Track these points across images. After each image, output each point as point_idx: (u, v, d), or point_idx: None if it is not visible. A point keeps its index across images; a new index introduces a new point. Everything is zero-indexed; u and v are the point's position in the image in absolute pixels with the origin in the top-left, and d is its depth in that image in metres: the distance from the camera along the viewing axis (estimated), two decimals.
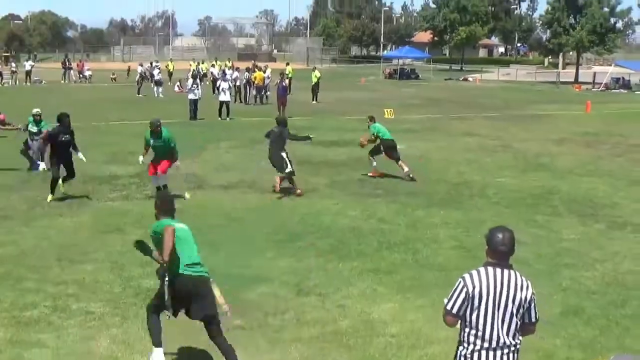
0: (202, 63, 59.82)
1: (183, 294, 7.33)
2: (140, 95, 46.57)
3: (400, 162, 18.74)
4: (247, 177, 18.74)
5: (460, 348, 5.59)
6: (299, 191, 16.74)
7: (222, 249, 12.23)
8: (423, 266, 11.57)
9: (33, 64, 65.32)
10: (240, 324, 8.92)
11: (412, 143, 25.79)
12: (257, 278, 10.75)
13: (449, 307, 5.51)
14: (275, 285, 10.46)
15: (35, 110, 20.06)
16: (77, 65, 66.53)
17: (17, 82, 58.75)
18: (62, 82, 61.48)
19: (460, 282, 5.50)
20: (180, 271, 7.28)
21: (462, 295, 5.45)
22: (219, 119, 32.85)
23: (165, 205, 7.86)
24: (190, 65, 56.78)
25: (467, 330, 5.52)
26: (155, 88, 47.28)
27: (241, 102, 42.17)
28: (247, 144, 24.69)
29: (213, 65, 55.16)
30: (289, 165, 16.74)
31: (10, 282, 10.44)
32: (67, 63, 64.62)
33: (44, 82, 60.21)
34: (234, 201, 16.07)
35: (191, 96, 33.34)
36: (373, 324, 9.14)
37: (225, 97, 33.55)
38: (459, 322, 5.58)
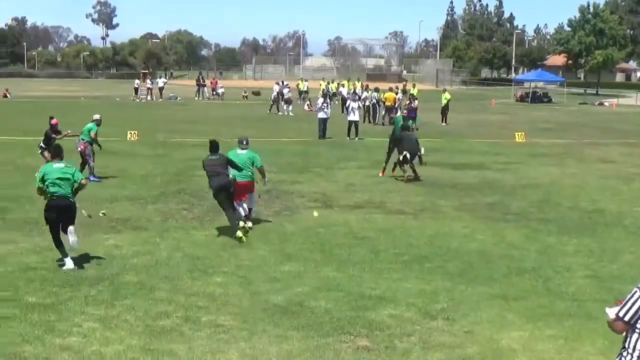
0: (332, 82, 60.41)
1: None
2: (278, 113, 47.71)
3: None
4: (374, 198, 18.72)
5: (624, 353, 5.69)
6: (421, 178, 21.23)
7: (348, 267, 12.23)
8: (554, 295, 11.17)
9: (166, 80, 67.97)
10: (366, 345, 8.87)
11: (544, 168, 25.20)
12: (384, 299, 10.66)
13: (621, 314, 5.60)
14: (402, 307, 10.32)
15: (96, 116, 20.59)
16: (211, 82, 68.56)
17: (154, 98, 61.20)
18: (196, 98, 63.54)
19: (636, 291, 5.58)
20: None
21: (637, 305, 5.55)
22: (348, 138, 32.95)
23: (54, 152, 12.24)
24: (320, 84, 57.46)
25: (635, 337, 5.62)
26: (285, 106, 48.23)
27: (370, 122, 42.28)
28: (375, 165, 24.65)
29: (343, 85, 55.61)
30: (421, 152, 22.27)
31: (145, 291, 10.76)
32: (201, 80, 66.64)
33: (179, 98, 62.43)
34: (361, 221, 16.04)
35: (321, 115, 33.58)
36: (502, 351, 8.88)
37: (354, 117, 33.58)
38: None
